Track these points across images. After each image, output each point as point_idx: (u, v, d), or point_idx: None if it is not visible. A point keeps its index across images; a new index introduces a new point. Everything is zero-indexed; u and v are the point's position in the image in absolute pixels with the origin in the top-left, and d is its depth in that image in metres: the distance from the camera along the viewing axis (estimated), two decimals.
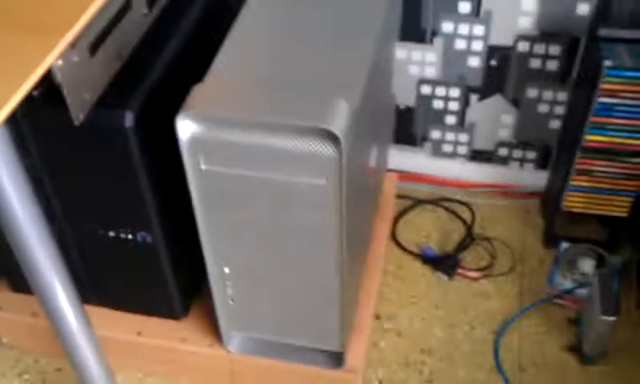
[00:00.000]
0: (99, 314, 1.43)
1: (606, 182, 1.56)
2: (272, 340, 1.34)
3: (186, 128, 1.06)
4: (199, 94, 1.08)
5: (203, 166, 1.10)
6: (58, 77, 0.98)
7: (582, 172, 1.55)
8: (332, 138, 1.02)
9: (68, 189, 1.24)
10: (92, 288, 1.41)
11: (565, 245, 1.65)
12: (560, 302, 1.58)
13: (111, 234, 1.28)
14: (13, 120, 1.17)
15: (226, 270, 1.23)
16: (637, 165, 1.51)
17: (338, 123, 1.02)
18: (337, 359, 1.34)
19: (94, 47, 1.06)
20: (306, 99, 1.06)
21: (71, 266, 1.34)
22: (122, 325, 1.42)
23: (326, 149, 1.04)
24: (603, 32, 1.45)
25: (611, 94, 1.43)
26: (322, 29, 1.24)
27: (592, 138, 1.49)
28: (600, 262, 1.60)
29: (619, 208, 1.59)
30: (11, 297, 1.48)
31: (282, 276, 1.22)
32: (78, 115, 1.03)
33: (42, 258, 1.03)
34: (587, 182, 1.56)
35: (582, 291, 1.55)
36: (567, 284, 1.58)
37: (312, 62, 1.17)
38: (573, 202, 1.60)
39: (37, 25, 0.96)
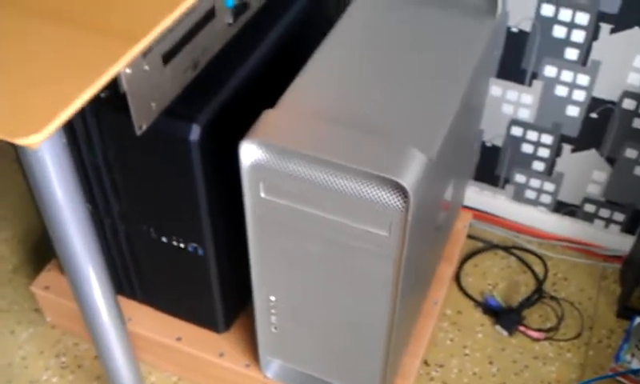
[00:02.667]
0: (144, 312, 1.42)
1: None
2: (310, 374, 1.30)
3: (249, 154, 1.02)
4: (268, 120, 1.03)
5: (262, 194, 1.05)
6: (125, 85, 0.94)
7: None
8: (400, 190, 0.96)
9: (126, 189, 1.22)
10: (140, 286, 1.39)
11: (639, 319, 1.54)
12: (624, 381, 1.48)
13: (164, 239, 1.25)
14: (82, 116, 1.15)
15: (272, 298, 1.19)
16: None
17: (410, 176, 0.95)
18: None
19: (168, 56, 1.02)
20: (379, 144, 1.00)
21: (122, 261, 1.34)
22: (163, 327, 1.40)
23: (392, 201, 0.98)
24: None
25: None
26: (413, 66, 1.16)
27: None
28: None
29: None
30: (60, 278, 1.48)
31: (328, 315, 1.17)
32: (141, 125, 1.00)
33: (79, 249, 1.01)
34: None
35: None
36: (635, 363, 1.48)
37: (395, 102, 1.10)
38: None
39: (111, 29, 0.93)
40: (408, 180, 0.95)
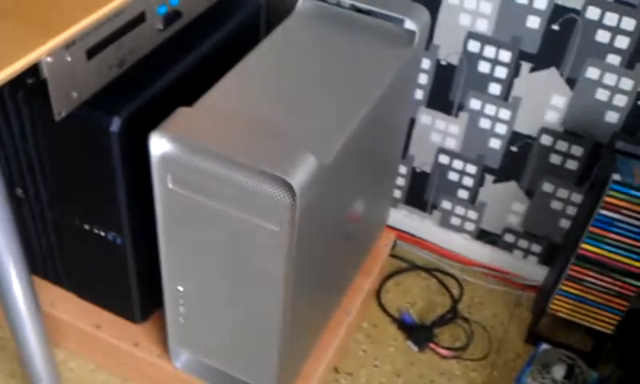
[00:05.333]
0: (67, 298, 1.49)
1: (594, 295, 1.53)
2: (216, 367, 1.37)
3: (158, 145, 1.10)
4: (180, 116, 1.12)
5: (170, 185, 1.14)
6: (45, 72, 1.03)
7: (572, 279, 1.52)
8: (289, 188, 1.05)
9: (53, 176, 1.30)
10: (64, 272, 1.46)
11: (544, 346, 1.61)
12: None
13: (86, 226, 1.33)
14: (15, 104, 1.24)
15: (180, 288, 1.27)
16: (627, 284, 1.48)
17: (299, 176, 1.04)
18: None
19: (93, 51, 1.10)
20: (277, 146, 1.09)
21: (48, 247, 1.41)
22: (84, 314, 1.47)
23: (282, 198, 1.06)
24: (620, 145, 1.43)
25: (614, 208, 1.41)
26: (328, 83, 1.26)
27: (588, 248, 1.47)
28: (572, 373, 1.56)
29: (604, 323, 1.56)
30: None
31: (230, 306, 1.25)
32: (60, 111, 1.08)
33: None
34: (576, 290, 1.54)
35: None
36: None
37: (302, 112, 1.19)
38: (559, 306, 1.58)
39: (37, 20, 1.03)
40: (296, 179, 1.03)
